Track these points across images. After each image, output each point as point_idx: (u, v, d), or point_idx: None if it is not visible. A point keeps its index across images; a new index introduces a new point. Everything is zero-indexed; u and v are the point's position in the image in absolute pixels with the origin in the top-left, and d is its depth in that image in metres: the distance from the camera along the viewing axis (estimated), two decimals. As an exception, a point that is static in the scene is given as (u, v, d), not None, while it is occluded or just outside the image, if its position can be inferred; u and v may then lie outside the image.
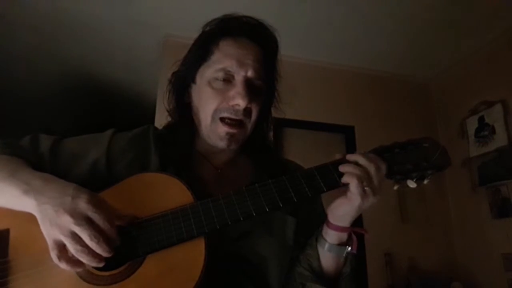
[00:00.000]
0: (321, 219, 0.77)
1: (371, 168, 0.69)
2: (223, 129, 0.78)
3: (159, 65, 2.88)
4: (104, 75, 3.58)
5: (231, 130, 0.78)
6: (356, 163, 0.70)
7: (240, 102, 0.76)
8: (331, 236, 0.74)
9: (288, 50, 2.99)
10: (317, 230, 0.79)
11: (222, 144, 0.79)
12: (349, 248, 0.74)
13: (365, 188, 0.68)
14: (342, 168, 0.70)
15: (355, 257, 0.78)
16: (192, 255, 0.65)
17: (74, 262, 0.60)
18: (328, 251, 0.75)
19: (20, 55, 3.23)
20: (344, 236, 0.74)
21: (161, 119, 0.91)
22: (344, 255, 0.75)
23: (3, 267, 0.63)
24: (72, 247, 0.58)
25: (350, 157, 0.72)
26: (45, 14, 2.69)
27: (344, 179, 0.69)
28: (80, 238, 0.59)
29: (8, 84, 3.68)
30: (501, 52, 2.85)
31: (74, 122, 4.53)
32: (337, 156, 0.74)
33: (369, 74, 3.34)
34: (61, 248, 0.59)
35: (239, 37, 0.82)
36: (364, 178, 0.68)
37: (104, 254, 0.60)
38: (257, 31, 0.84)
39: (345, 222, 0.73)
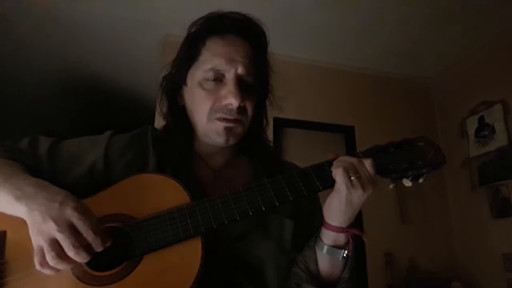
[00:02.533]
0: (320, 222, 0.77)
1: (354, 160, 0.70)
2: (220, 125, 0.76)
3: (159, 65, 2.87)
4: (103, 75, 3.59)
5: (229, 124, 0.76)
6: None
7: (233, 102, 0.74)
8: (327, 237, 0.74)
9: (289, 51, 3.00)
10: (316, 232, 0.78)
11: (220, 140, 0.77)
12: (345, 252, 0.73)
13: (351, 178, 0.68)
14: (332, 166, 0.71)
15: (355, 262, 0.77)
16: (189, 255, 0.65)
17: (55, 268, 0.59)
18: (324, 253, 0.74)
19: (20, 55, 3.24)
20: (340, 238, 0.73)
21: (161, 119, 0.90)
22: (340, 258, 0.73)
23: (0, 268, 0.63)
24: (47, 254, 0.58)
25: (341, 157, 0.73)
26: (45, 14, 2.69)
27: (333, 173, 0.70)
28: (58, 245, 0.58)
29: (7, 84, 3.68)
30: (501, 52, 2.85)
31: (72, 123, 4.54)
32: (330, 157, 0.74)
33: (369, 74, 3.34)
34: (43, 254, 0.59)
35: (226, 34, 0.79)
36: (350, 168, 0.68)
37: (82, 261, 0.60)
38: (244, 26, 0.81)
39: (339, 219, 0.71)
